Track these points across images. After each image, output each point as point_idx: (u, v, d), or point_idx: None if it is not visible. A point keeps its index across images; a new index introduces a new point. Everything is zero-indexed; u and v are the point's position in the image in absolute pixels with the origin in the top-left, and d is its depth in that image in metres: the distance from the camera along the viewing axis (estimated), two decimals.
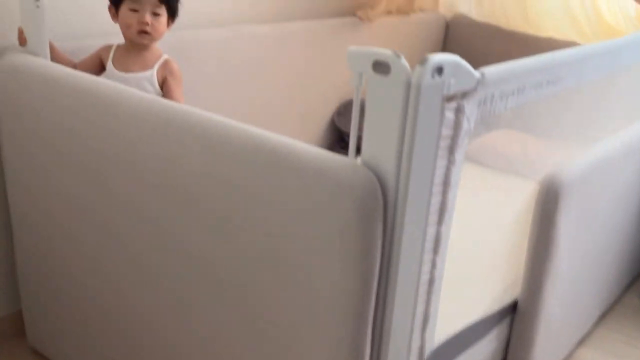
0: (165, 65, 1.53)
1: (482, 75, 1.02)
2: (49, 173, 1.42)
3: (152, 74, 1.51)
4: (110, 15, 1.52)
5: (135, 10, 1.47)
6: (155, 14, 1.49)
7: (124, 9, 1.48)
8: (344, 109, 2.46)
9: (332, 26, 2.31)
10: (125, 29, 1.50)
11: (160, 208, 1.21)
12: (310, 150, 1.03)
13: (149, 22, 1.47)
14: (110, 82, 1.31)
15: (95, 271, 1.40)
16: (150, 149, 1.19)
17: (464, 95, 1.00)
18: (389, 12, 2.49)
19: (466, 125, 1.03)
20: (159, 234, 1.23)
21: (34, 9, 1.39)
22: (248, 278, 1.12)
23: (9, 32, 1.54)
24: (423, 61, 0.89)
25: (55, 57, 1.49)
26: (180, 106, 1.20)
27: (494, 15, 2.64)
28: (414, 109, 0.91)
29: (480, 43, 2.73)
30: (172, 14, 1.53)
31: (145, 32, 1.48)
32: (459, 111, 1.00)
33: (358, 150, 1.00)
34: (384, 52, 0.90)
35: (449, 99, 0.97)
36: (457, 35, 2.81)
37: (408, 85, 0.90)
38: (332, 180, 0.97)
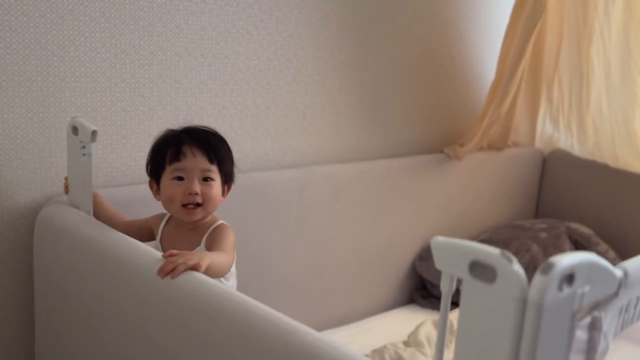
0: (213, 232, 1.21)
1: (625, 273, 0.73)
2: (72, 324, 1.25)
3: (202, 249, 1.19)
4: (152, 192, 1.25)
5: (179, 179, 1.19)
6: (206, 179, 1.20)
7: (165, 180, 1.19)
8: (426, 254, 2.18)
9: (415, 164, 2.09)
10: (168, 204, 1.19)
11: None
12: None
13: (199, 192, 1.17)
14: (139, 256, 1.09)
15: None
16: (177, 345, 0.97)
17: (599, 304, 0.71)
18: (480, 148, 2.25)
19: (603, 344, 0.73)
20: None
21: (80, 157, 1.25)
22: None
23: (59, 179, 1.41)
24: (546, 268, 0.62)
25: (100, 212, 1.28)
26: (211, 292, 0.96)
27: (600, 152, 2.34)
28: (531, 334, 0.63)
29: (582, 182, 2.42)
30: (227, 180, 1.25)
31: (196, 205, 1.17)
32: (593, 328, 0.71)
33: None
34: (487, 251, 0.64)
35: (581, 313, 0.69)
36: (555, 173, 2.51)
37: (522, 302, 0.62)
38: None
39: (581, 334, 0.69)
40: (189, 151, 1.19)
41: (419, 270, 2.17)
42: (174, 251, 1.04)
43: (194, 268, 1.00)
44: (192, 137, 1.22)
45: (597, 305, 0.71)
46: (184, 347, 0.96)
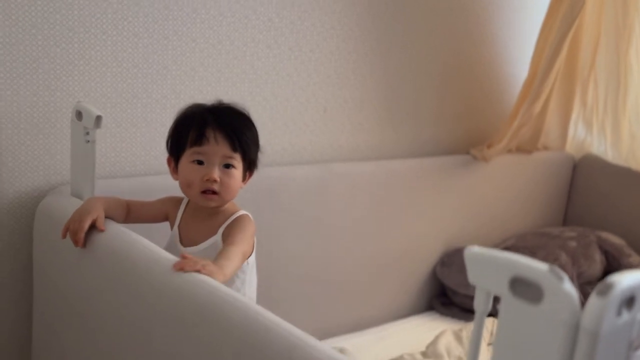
0: (232, 223, 1.14)
1: None
2: (70, 320, 1.17)
3: (217, 239, 1.14)
4: (170, 170, 1.19)
5: (199, 163, 1.13)
6: (227, 166, 1.13)
7: (185, 161, 1.13)
8: (448, 260, 2.08)
9: (440, 165, 1.99)
10: (185, 188, 1.14)
11: None
12: None
13: (217, 179, 1.11)
14: (139, 252, 1.01)
15: None
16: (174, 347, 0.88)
17: None
18: (508, 151, 2.14)
19: None
20: None
21: (83, 144, 1.17)
22: None
23: (63, 167, 1.34)
24: (604, 290, 0.52)
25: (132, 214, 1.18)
26: (213, 297, 0.88)
27: (634, 159, 2.22)
28: None
29: (615, 189, 2.30)
30: (250, 166, 1.19)
31: (213, 192, 1.12)
32: None
33: None
34: (533, 267, 0.55)
35: (637, 342, 0.59)
36: (586, 179, 2.40)
37: (574, 328, 0.53)
38: None
39: None
40: (212, 136, 1.11)
41: (439, 276, 2.07)
42: (188, 256, 0.96)
43: None
44: (217, 119, 1.13)
45: None
46: (181, 350, 0.88)
